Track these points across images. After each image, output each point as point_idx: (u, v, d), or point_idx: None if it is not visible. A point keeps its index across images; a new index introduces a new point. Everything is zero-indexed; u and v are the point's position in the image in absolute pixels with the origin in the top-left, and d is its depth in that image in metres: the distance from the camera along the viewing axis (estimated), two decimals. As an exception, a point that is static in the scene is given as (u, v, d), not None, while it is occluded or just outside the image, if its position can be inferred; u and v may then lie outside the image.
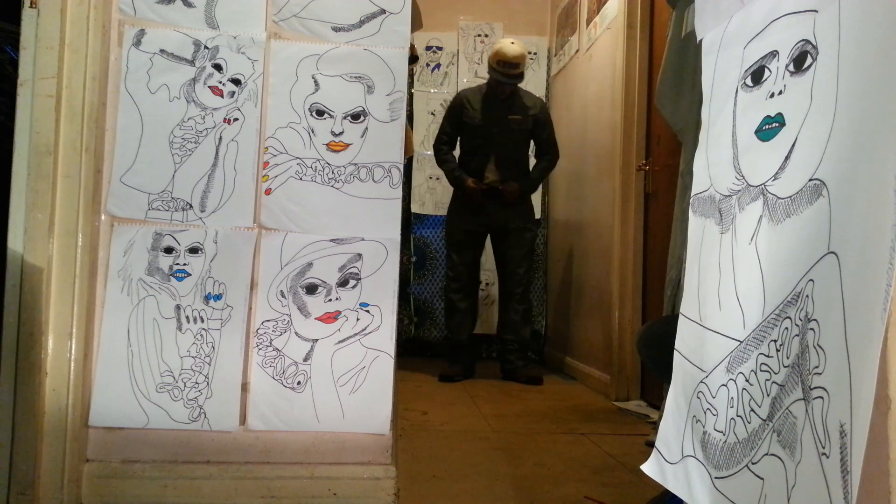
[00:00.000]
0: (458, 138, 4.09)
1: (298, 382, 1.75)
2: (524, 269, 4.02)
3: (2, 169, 1.68)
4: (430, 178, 4.88)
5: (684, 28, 1.88)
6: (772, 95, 1.04)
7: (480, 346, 4.61)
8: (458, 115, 4.03)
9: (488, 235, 4.08)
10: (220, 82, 1.77)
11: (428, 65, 4.99)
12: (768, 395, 0.95)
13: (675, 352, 1.25)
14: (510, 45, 3.82)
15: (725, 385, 1.06)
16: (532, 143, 4.10)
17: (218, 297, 1.75)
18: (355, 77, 1.80)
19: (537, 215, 4.91)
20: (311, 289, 1.77)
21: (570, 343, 4.37)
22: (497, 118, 3.95)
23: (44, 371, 1.62)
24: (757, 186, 1.04)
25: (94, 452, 1.72)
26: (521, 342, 4.01)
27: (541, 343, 4.88)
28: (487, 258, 4.36)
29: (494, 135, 3.94)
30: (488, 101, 3.99)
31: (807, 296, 0.88)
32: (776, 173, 1.00)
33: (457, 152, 4.12)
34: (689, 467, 1.14)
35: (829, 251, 0.85)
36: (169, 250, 1.75)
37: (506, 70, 3.83)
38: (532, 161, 4.15)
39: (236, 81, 1.78)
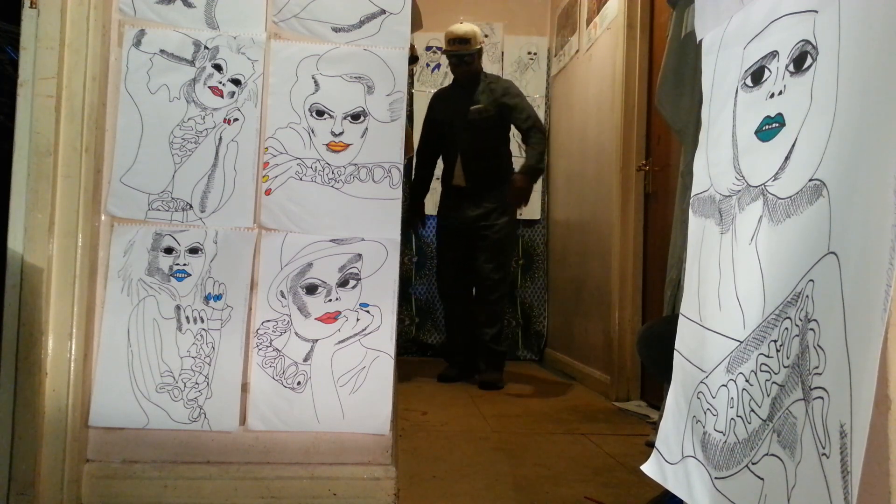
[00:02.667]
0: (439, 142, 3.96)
1: (298, 383, 1.75)
2: (494, 273, 3.78)
3: (2, 169, 1.68)
4: (430, 178, 4.87)
5: (684, 28, 1.88)
6: (772, 96, 1.04)
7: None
8: (429, 116, 3.97)
9: None
10: (220, 82, 1.77)
11: (428, 65, 4.99)
12: (768, 396, 0.95)
13: (675, 352, 1.25)
14: (458, 24, 3.81)
15: (725, 385, 1.06)
16: (516, 131, 3.90)
17: (218, 298, 1.75)
18: (355, 77, 1.80)
19: (537, 216, 4.91)
20: (311, 289, 1.77)
21: (570, 343, 4.37)
22: (459, 112, 3.81)
23: (44, 371, 1.62)
24: (757, 187, 1.04)
25: (94, 453, 1.72)
26: (487, 344, 3.80)
27: (541, 343, 4.88)
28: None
29: (457, 129, 3.81)
30: (452, 96, 3.89)
31: (807, 296, 0.88)
32: (776, 173, 0.99)
33: None
34: (689, 467, 1.14)
35: (829, 251, 0.85)
36: (169, 250, 1.75)
37: (457, 47, 3.74)
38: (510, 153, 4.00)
39: (236, 82, 1.78)
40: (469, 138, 3.81)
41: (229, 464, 1.74)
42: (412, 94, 4.86)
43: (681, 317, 1.24)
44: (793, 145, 0.97)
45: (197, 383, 1.73)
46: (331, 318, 1.77)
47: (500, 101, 3.80)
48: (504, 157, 3.92)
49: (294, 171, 1.78)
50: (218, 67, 1.77)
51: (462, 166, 3.83)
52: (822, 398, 0.82)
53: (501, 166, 3.87)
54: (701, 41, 1.30)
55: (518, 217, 4.13)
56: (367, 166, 1.79)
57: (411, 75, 4.71)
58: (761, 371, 0.97)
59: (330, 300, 1.77)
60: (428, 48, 4.97)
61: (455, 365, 3.92)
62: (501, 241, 3.81)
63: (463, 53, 3.77)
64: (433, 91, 4.95)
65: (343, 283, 1.78)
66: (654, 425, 2.56)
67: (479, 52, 3.85)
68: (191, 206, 1.76)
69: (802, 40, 0.98)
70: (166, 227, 1.75)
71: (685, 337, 1.23)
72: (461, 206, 3.83)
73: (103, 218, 1.74)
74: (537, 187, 4.60)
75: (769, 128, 1.03)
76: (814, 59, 0.95)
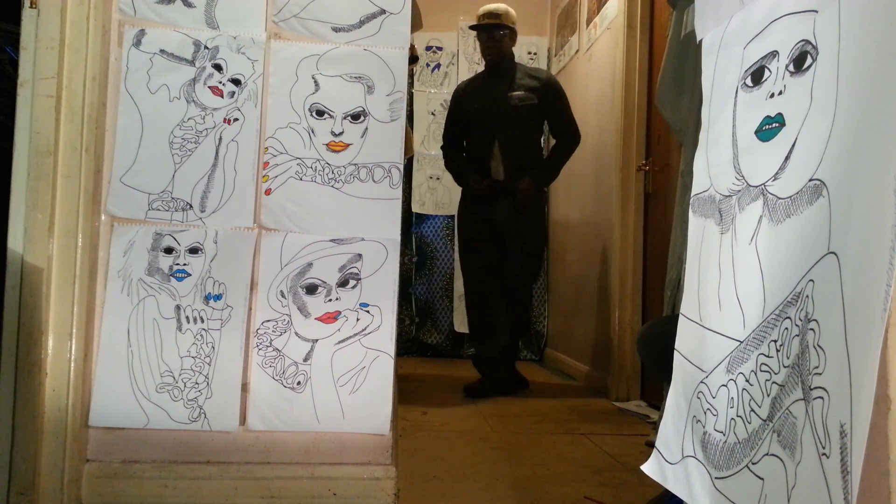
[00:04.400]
0: (466, 135, 3.68)
1: (298, 382, 1.75)
2: (520, 280, 3.55)
3: (2, 169, 1.68)
4: (430, 178, 4.88)
5: (684, 28, 1.88)
6: (772, 95, 1.04)
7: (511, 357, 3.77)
8: (457, 109, 3.67)
9: None
10: (220, 82, 1.77)
11: (428, 65, 4.99)
12: (768, 396, 0.95)
13: (675, 352, 1.25)
14: (488, 3, 3.60)
15: (725, 385, 1.06)
16: (546, 124, 3.65)
17: (218, 298, 1.75)
18: (355, 77, 1.80)
19: (537, 215, 4.90)
20: (311, 289, 1.77)
21: (570, 343, 4.37)
22: (496, 98, 3.53)
23: (44, 371, 1.62)
24: (757, 186, 1.04)
25: (94, 452, 1.72)
26: (511, 348, 3.66)
27: (541, 343, 4.88)
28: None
29: (495, 117, 3.52)
30: (486, 83, 3.64)
31: (807, 296, 0.88)
32: (776, 173, 0.99)
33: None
34: (689, 467, 1.14)
35: (829, 251, 0.85)
36: (169, 250, 1.75)
37: (487, 21, 3.52)
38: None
39: (236, 81, 1.78)
40: (509, 128, 3.52)
41: (229, 464, 1.74)
42: (412, 94, 4.87)
43: (681, 317, 1.24)
44: (793, 145, 0.97)
45: (197, 383, 1.73)
46: (331, 317, 1.77)
47: (543, 90, 3.54)
48: (539, 151, 3.65)
49: (294, 170, 1.78)
50: (218, 67, 1.77)
51: (501, 158, 3.53)
52: (822, 398, 0.82)
53: (537, 160, 3.59)
54: (701, 41, 1.30)
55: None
56: (367, 166, 1.79)
57: (411, 75, 4.72)
58: (761, 371, 0.97)
59: (330, 300, 1.77)
60: (428, 48, 4.98)
61: (487, 380, 3.53)
62: (535, 244, 3.63)
63: (492, 25, 3.51)
64: (433, 91, 4.97)
65: (343, 283, 1.78)
66: (654, 425, 2.56)
67: (512, 32, 3.58)
68: (191, 206, 1.76)
69: (802, 40, 0.98)
70: (166, 227, 1.75)
71: (685, 337, 1.23)
72: (497, 201, 3.51)
73: (103, 218, 1.74)
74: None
75: (769, 128, 1.03)
76: (814, 59, 0.95)
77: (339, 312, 1.77)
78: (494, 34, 3.54)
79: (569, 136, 3.60)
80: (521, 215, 3.52)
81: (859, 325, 0.78)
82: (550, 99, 3.57)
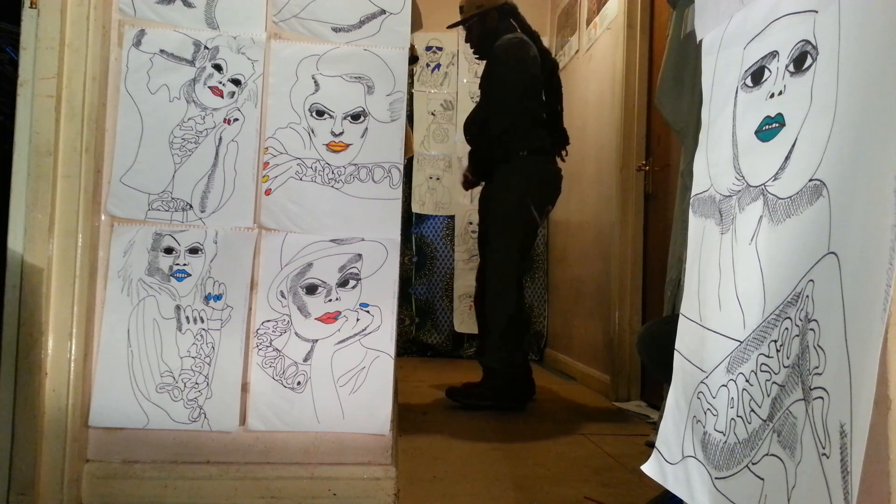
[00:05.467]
0: None
1: (298, 383, 1.75)
2: (490, 261, 3.20)
3: (2, 169, 1.68)
4: (430, 178, 4.89)
5: (684, 28, 1.88)
6: (772, 96, 1.04)
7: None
8: None
9: None
10: (220, 82, 1.77)
11: (428, 65, 4.99)
12: (768, 396, 0.95)
13: (675, 352, 1.25)
14: None
15: (726, 385, 1.06)
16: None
17: (218, 298, 1.75)
18: (355, 77, 1.80)
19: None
20: (311, 289, 1.77)
21: (570, 343, 4.37)
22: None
23: (44, 371, 1.62)
24: (757, 187, 1.04)
25: (94, 452, 1.72)
26: (481, 342, 3.30)
27: (541, 343, 4.88)
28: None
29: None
30: None
31: (807, 296, 0.88)
32: (776, 174, 0.99)
33: None
34: (690, 468, 1.14)
35: (829, 251, 0.85)
36: (169, 250, 1.75)
37: (459, 18, 3.39)
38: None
39: (236, 82, 1.78)
40: (470, 114, 3.46)
41: (229, 464, 1.74)
42: (412, 94, 4.87)
43: (681, 317, 1.24)
44: (793, 145, 0.97)
45: (197, 383, 1.72)
46: (331, 318, 1.77)
47: (486, 65, 3.28)
48: (499, 135, 3.17)
49: (294, 171, 1.78)
50: (218, 67, 1.77)
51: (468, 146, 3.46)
52: (822, 398, 0.82)
53: (500, 144, 3.16)
54: (701, 41, 1.30)
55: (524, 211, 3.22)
56: (367, 166, 1.79)
57: (411, 75, 4.72)
58: (761, 371, 0.97)
59: (330, 300, 1.77)
60: (428, 48, 4.98)
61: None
62: (494, 235, 3.18)
63: (460, 23, 3.39)
64: (433, 91, 4.98)
65: (343, 283, 1.78)
66: (654, 425, 2.56)
67: (483, 15, 3.28)
68: (191, 206, 1.76)
69: (802, 40, 0.98)
70: (166, 227, 1.75)
71: (685, 337, 1.23)
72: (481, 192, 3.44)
73: (103, 218, 1.74)
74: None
75: (769, 128, 1.03)
76: (814, 60, 0.95)
77: (339, 312, 1.77)
78: (464, 29, 3.44)
79: (489, 123, 3.17)
80: (487, 204, 3.28)
81: (859, 325, 0.78)
82: (486, 72, 3.27)
